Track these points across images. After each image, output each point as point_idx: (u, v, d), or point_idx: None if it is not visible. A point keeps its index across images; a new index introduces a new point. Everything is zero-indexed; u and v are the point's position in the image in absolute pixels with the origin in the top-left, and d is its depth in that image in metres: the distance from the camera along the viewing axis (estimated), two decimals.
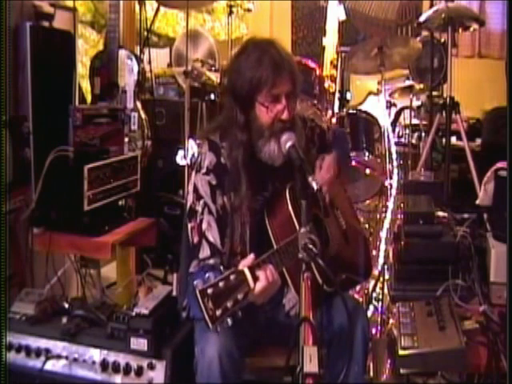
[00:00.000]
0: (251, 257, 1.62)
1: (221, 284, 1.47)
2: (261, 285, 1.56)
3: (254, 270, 1.55)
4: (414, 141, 4.39)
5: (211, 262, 1.82)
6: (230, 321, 1.47)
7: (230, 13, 4.53)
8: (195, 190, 1.89)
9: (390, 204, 3.17)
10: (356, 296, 2.94)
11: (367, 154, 3.35)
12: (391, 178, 3.24)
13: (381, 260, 3.01)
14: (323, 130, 2.16)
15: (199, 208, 1.86)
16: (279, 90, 1.81)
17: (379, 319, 2.81)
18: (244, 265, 1.58)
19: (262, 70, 1.79)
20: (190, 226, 1.88)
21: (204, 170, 1.89)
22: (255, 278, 1.55)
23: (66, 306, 2.17)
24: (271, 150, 1.85)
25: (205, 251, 1.83)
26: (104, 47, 3.46)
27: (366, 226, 3.67)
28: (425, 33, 4.49)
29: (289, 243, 1.70)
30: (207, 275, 1.54)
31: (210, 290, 1.45)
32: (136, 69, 3.51)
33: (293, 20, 5.88)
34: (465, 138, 3.48)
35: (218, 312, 1.44)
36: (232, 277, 1.50)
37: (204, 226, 1.85)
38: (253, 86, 1.80)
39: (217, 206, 1.86)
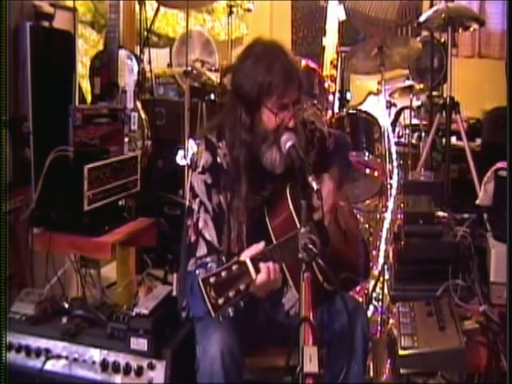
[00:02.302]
0: (260, 246, 1.63)
1: (223, 273, 1.48)
2: (262, 277, 1.57)
3: (256, 261, 1.56)
4: (414, 141, 4.40)
5: (208, 260, 1.82)
6: (231, 311, 1.47)
7: (230, 13, 4.53)
8: (192, 188, 1.90)
9: (390, 204, 3.17)
10: (356, 296, 2.94)
11: (367, 154, 3.35)
12: (391, 178, 3.24)
13: (381, 260, 3.02)
14: (324, 135, 2.15)
15: (195, 206, 1.87)
16: (288, 99, 1.82)
17: (379, 319, 2.81)
18: (249, 253, 1.59)
19: (272, 77, 1.78)
20: (187, 224, 1.89)
21: (200, 169, 1.89)
22: (257, 269, 1.55)
23: (66, 306, 2.17)
24: (272, 159, 1.85)
25: (202, 249, 1.83)
26: (104, 47, 3.46)
27: (366, 226, 3.67)
28: (425, 33, 4.50)
29: (289, 239, 1.70)
30: (209, 265, 1.54)
31: (212, 279, 1.45)
32: (136, 69, 3.51)
33: (293, 20, 5.88)
34: (465, 138, 3.47)
35: (221, 301, 1.45)
36: (234, 267, 1.51)
37: (201, 224, 1.85)
38: (262, 91, 1.79)
39: (213, 204, 1.86)
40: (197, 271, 1.49)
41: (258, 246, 1.64)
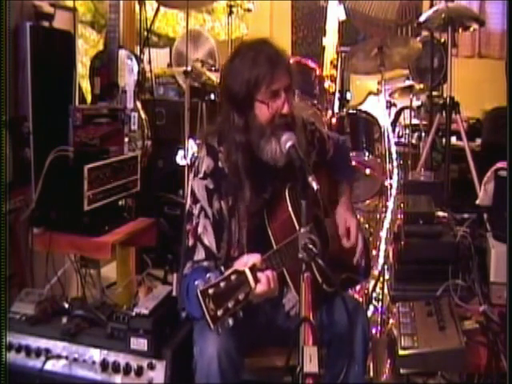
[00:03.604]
0: (257, 255, 1.63)
1: (222, 284, 1.47)
2: (261, 288, 1.56)
3: (254, 271, 1.55)
4: (414, 141, 4.40)
5: (205, 264, 1.82)
6: (231, 321, 1.47)
7: (230, 13, 4.54)
8: (192, 193, 1.89)
9: (390, 204, 3.17)
10: (356, 296, 2.94)
11: (367, 153, 3.35)
12: (391, 178, 3.24)
13: (381, 260, 3.01)
14: (323, 136, 2.16)
15: (196, 211, 1.86)
16: (278, 85, 1.81)
17: (379, 319, 2.81)
18: (248, 261, 1.59)
19: (258, 67, 1.79)
20: (186, 228, 1.89)
21: (201, 175, 1.89)
22: (256, 278, 1.55)
23: (66, 306, 2.16)
24: (273, 151, 1.83)
25: (199, 254, 1.83)
26: (104, 47, 3.46)
27: (366, 226, 3.67)
28: (425, 33, 4.50)
29: (289, 243, 1.70)
30: (208, 275, 1.54)
31: (211, 290, 1.45)
32: (136, 69, 3.51)
33: (293, 20, 5.88)
34: (465, 138, 3.48)
35: (220, 312, 1.44)
36: (233, 277, 1.50)
37: (200, 229, 1.85)
38: (251, 85, 1.80)
39: (213, 210, 1.86)
40: (196, 282, 1.48)
41: (255, 257, 1.63)
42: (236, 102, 1.84)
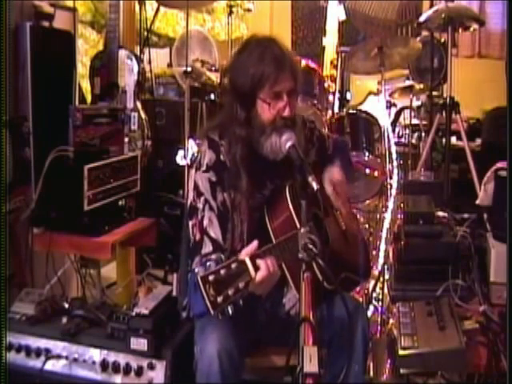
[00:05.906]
0: (254, 244, 1.63)
1: (222, 272, 1.47)
2: (261, 274, 1.56)
3: (254, 260, 1.56)
4: (414, 141, 4.40)
5: (213, 257, 1.80)
6: (230, 310, 1.47)
7: (230, 13, 4.54)
8: (196, 187, 1.89)
9: (390, 204, 3.17)
10: (356, 296, 2.93)
11: (367, 154, 3.35)
12: (391, 178, 3.23)
13: (381, 260, 3.01)
14: (323, 135, 2.16)
15: (200, 205, 1.86)
16: (281, 87, 1.82)
17: (379, 319, 2.81)
18: (246, 252, 1.59)
19: (264, 66, 1.80)
20: (191, 223, 1.88)
21: (204, 168, 1.89)
22: (256, 268, 1.55)
23: (66, 306, 2.17)
24: (273, 144, 1.84)
25: (207, 247, 1.82)
26: (104, 47, 3.46)
27: (366, 226, 3.67)
28: (425, 33, 4.50)
29: (289, 239, 1.69)
30: (208, 264, 1.54)
31: (211, 277, 1.45)
32: (136, 69, 3.51)
33: (293, 20, 5.88)
34: (465, 138, 3.48)
35: (220, 299, 1.44)
36: (233, 265, 1.50)
37: (205, 222, 1.84)
38: (255, 82, 1.80)
39: (217, 202, 1.86)
40: (196, 269, 1.49)
41: (253, 244, 1.63)
42: (239, 95, 1.85)
